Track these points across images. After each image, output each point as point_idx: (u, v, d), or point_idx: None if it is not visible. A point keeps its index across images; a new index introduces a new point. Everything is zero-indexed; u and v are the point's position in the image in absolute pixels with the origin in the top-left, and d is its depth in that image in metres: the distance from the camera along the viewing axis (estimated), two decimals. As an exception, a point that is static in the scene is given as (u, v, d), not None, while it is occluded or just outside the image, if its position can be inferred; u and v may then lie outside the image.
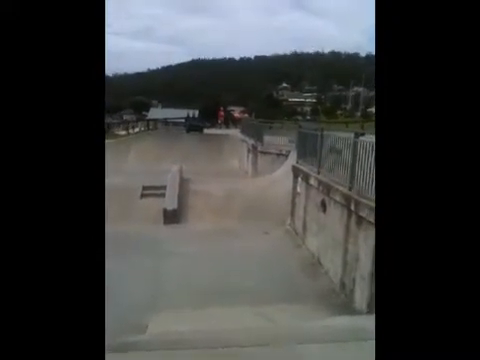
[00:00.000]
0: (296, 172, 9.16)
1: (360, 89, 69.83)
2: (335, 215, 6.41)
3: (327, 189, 6.81)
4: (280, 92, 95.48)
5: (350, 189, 5.89)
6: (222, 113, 32.15)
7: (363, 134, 6.63)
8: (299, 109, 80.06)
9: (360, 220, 5.39)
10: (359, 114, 59.66)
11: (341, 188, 6.18)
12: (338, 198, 6.23)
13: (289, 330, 3.85)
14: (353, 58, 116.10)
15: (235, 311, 5.36)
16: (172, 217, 10.13)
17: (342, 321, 4.40)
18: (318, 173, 7.56)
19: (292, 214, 9.35)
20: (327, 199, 6.83)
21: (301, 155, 9.25)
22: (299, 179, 8.89)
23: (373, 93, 73.98)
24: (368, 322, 3.63)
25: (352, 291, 5.61)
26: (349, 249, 5.80)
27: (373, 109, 70.17)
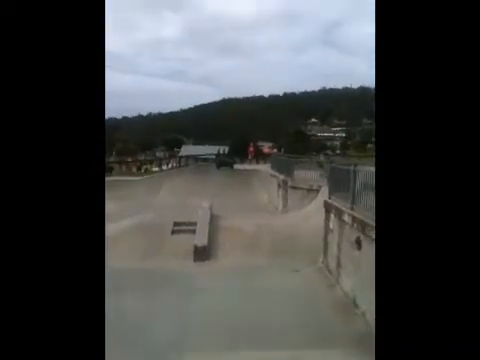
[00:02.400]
0: (328, 208, 8.95)
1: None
2: (371, 253, 6.12)
3: (362, 226, 6.57)
4: (309, 127, 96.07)
5: (386, 226, 5.66)
6: (252, 149, 32.55)
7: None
8: (328, 143, 79.88)
9: (398, 259, 5.12)
10: (391, 148, 58.54)
11: (376, 225, 5.95)
12: (374, 235, 5.98)
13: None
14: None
15: (265, 355, 5.12)
16: (202, 253, 10.09)
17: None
18: (352, 209, 7.35)
19: (325, 251, 9.05)
20: (362, 236, 6.57)
21: (333, 190, 9.07)
22: (331, 215, 8.66)
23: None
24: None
25: (393, 337, 5.23)
26: (387, 290, 5.47)
27: (405, 143, 68.43)
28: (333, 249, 8.37)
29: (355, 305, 6.70)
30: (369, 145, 73.26)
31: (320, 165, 16.44)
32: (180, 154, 41.75)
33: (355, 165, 7.96)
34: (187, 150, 46.17)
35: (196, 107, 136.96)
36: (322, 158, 25.87)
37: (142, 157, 42.91)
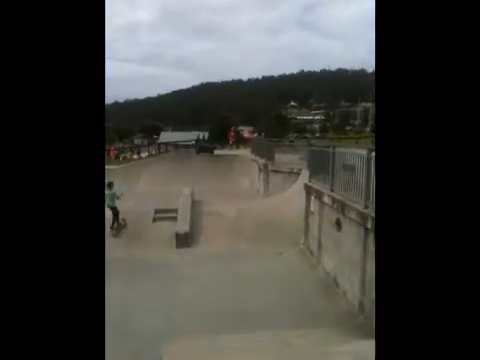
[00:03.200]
0: (309, 190, 9.02)
1: (368, 104, 69.81)
2: (351, 234, 6.22)
3: (341, 207, 6.65)
4: (288, 110, 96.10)
5: (366, 207, 5.73)
6: (233, 134, 32.31)
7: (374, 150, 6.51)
8: (308, 126, 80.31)
9: (378, 238, 5.21)
10: (368, 129, 59.44)
11: (357, 206, 6.02)
12: (354, 216, 6.06)
13: (313, 358, 3.66)
14: (360, 75, 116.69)
15: (252, 337, 5.16)
16: (184, 240, 10.04)
17: (364, 346, 4.18)
18: (331, 191, 7.42)
19: (306, 233, 9.16)
20: (342, 217, 6.66)
21: (313, 173, 9.13)
22: (312, 197, 8.74)
23: (382, 108, 73.21)
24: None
25: (372, 313, 5.36)
26: (367, 269, 5.58)
27: (383, 124, 69.16)
28: (314, 231, 8.48)
29: (336, 284, 6.84)
30: (347, 127, 74.09)
31: (294, 148, 16.48)
32: (159, 141, 41.00)
33: (334, 147, 8.00)
34: (166, 137, 45.31)
35: (174, 92, 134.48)
36: (294, 140, 26.01)
37: (120, 145, 41.99)
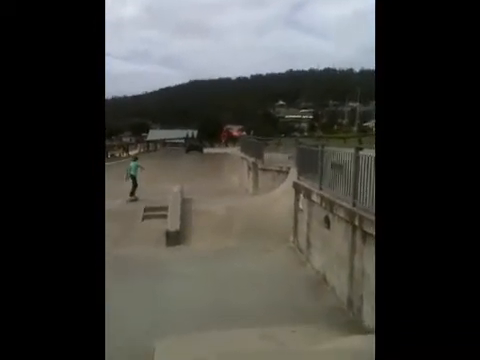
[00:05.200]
0: (298, 188, 9.14)
1: (355, 104, 70.59)
2: (339, 231, 6.35)
3: (330, 205, 6.78)
4: (277, 109, 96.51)
5: (354, 204, 5.86)
6: (225, 133, 32.47)
7: (362, 148, 6.65)
8: (296, 125, 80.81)
9: (365, 236, 5.35)
10: (355, 128, 60.20)
11: (344, 204, 6.15)
12: (342, 214, 6.19)
13: (301, 354, 3.74)
14: (347, 74, 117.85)
15: (241, 334, 5.24)
16: (175, 238, 10.06)
17: (354, 341, 4.30)
18: (320, 189, 7.54)
19: (295, 231, 9.28)
20: (330, 215, 6.79)
21: (302, 171, 9.25)
22: (301, 195, 8.86)
23: (368, 108, 74.54)
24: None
25: (360, 309, 5.50)
26: (355, 265, 5.72)
27: (369, 123, 70.35)
28: (303, 228, 8.60)
29: (325, 281, 6.97)
30: (335, 126, 74.77)
31: (283, 146, 16.59)
32: (148, 139, 40.68)
33: (322, 146, 8.13)
34: (155, 134, 44.91)
35: (162, 90, 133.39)
36: (282, 138, 26.16)
37: (107, 143, 41.50)
